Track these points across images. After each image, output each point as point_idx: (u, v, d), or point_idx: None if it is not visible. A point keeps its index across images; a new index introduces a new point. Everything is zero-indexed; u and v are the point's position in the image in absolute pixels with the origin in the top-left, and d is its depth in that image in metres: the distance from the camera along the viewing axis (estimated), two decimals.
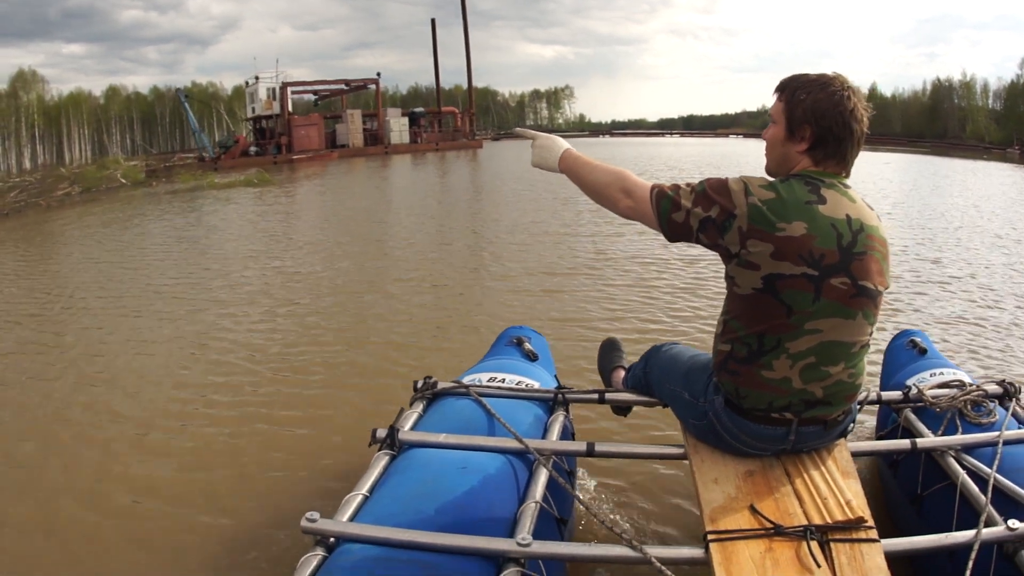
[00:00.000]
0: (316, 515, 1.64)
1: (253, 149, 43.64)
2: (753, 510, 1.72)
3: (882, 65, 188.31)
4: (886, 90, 79.27)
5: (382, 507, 1.75)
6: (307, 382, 4.30)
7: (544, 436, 2.17)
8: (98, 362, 4.87)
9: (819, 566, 1.54)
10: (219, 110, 66.98)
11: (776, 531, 1.63)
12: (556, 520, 1.93)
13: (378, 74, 51.35)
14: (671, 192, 1.79)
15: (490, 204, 14.97)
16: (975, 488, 1.87)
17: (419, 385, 2.40)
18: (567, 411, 2.39)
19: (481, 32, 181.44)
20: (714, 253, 1.81)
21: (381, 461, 1.96)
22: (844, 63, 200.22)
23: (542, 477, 1.90)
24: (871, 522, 1.66)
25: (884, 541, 1.63)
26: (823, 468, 1.87)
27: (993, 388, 2.39)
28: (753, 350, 1.79)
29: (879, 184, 17.96)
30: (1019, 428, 2.17)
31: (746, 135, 73.99)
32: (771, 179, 1.78)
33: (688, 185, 1.80)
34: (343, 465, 3.05)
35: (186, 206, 17.13)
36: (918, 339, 3.03)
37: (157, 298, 6.86)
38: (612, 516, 2.59)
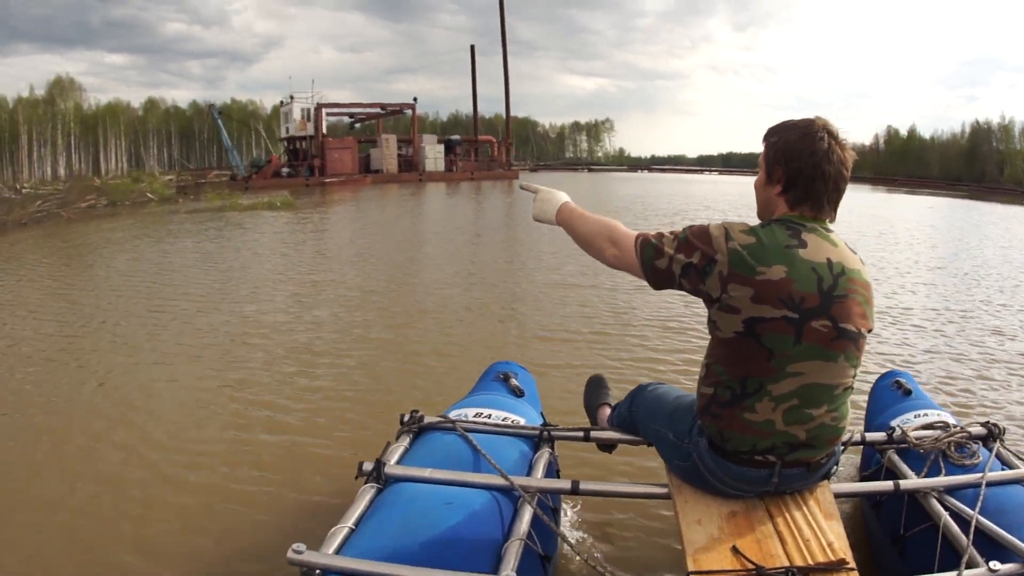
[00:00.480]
0: (303, 547, 1.66)
1: (285, 170, 43.82)
2: (735, 551, 1.73)
3: (921, 107, 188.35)
4: (925, 132, 78.68)
5: (367, 540, 1.76)
6: (295, 411, 4.32)
7: (529, 473, 2.19)
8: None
9: None
10: (258, 128, 67.00)
11: (758, 572, 1.65)
12: (540, 557, 1.93)
13: (414, 99, 51.57)
14: (655, 240, 1.85)
15: (516, 243, 14.36)
16: (957, 529, 1.88)
17: (405, 419, 2.41)
18: (552, 448, 2.40)
19: (523, 61, 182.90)
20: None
21: (367, 494, 1.97)
22: (883, 104, 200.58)
23: (527, 514, 1.91)
24: (852, 564, 1.68)
25: None
26: (805, 509, 1.89)
27: (977, 430, 2.41)
28: (736, 393, 1.82)
29: (925, 231, 17.34)
30: (1003, 470, 2.19)
31: None
32: (752, 225, 1.81)
33: (672, 233, 1.85)
34: (330, 497, 3.09)
35: (198, 228, 16.82)
36: (903, 380, 3.03)
37: (120, 330, 6.57)
38: (596, 554, 2.61)
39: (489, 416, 2.50)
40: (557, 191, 2.14)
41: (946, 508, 2.01)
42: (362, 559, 1.67)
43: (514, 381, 2.87)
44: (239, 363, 5.36)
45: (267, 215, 20.25)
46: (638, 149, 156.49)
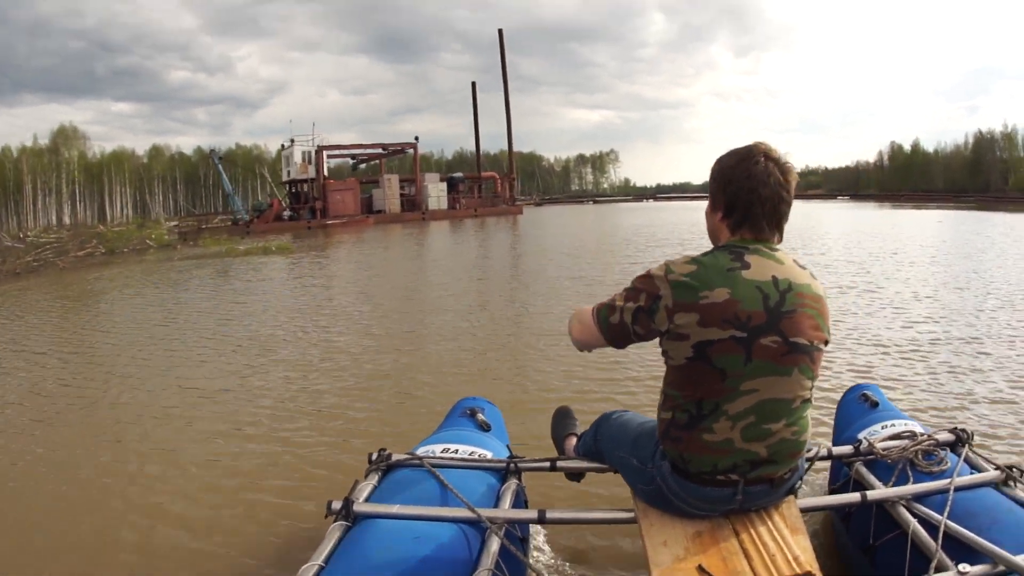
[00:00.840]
0: None
1: (287, 213, 43.88)
2: (701, 570, 1.75)
3: (924, 121, 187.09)
4: (928, 145, 79.01)
5: None
6: (266, 452, 4.31)
7: (496, 505, 2.20)
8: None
9: None
10: (262, 173, 67.14)
11: None
12: None
13: (416, 138, 51.59)
14: (608, 301, 1.93)
15: (514, 283, 13.77)
16: (926, 535, 1.91)
17: (374, 457, 2.44)
18: (520, 479, 2.43)
19: (527, 97, 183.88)
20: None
21: (336, 532, 1.99)
22: (886, 120, 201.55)
23: (494, 545, 1.93)
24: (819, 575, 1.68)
25: None
26: (771, 525, 1.90)
27: (945, 436, 2.44)
28: (693, 416, 1.85)
29: (938, 249, 16.51)
30: (971, 474, 2.21)
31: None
32: (695, 255, 1.85)
33: (623, 290, 1.90)
34: (300, 538, 3.09)
35: (181, 277, 16.56)
36: (870, 393, 3.04)
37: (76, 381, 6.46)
38: None
39: (456, 451, 2.53)
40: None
41: (914, 515, 2.03)
42: None
43: (481, 416, 2.91)
44: (209, 403, 5.43)
45: (267, 260, 20.04)
46: (643, 179, 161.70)
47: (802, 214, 33.33)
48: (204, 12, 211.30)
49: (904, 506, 2.08)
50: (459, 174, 55.40)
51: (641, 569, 2.21)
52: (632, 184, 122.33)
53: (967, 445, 2.41)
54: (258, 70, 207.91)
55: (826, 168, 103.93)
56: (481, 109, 58.50)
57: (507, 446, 2.77)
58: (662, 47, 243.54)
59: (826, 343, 1.89)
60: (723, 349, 1.77)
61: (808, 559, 1.77)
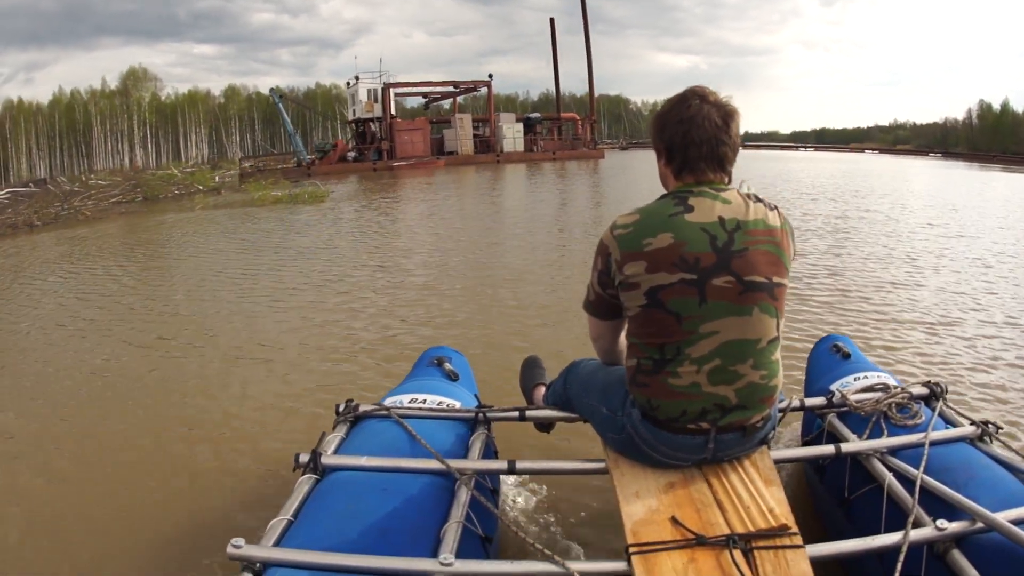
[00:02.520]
0: (242, 541, 1.72)
1: (351, 154, 41.84)
2: (675, 521, 1.77)
3: (1014, 80, 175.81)
4: (1018, 106, 75.49)
5: (307, 531, 1.83)
6: (233, 402, 4.39)
7: (466, 455, 2.24)
8: None
9: (743, 575, 1.59)
10: (343, 112, 64.62)
11: (698, 541, 1.70)
12: (480, 538, 1.99)
13: (490, 76, 49.43)
14: (587, 290, 2.06)
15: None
16: (902, 490, 1.95)
17: (341, 408, 2.49)
18: (489, 430, 2.47)
19: (614, 40, 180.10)
20: None
21: (305, 486, 2.03)
22: (973, 78, 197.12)
23: (463, 496, 1.97)
24: (795, 528, 1.72)
25: (810, 547, 1.69)
26: (745, 476, 1.91)
27: (919, 390, 2.50)
28: (656, 360, 1.89)
29: None
30: (946, 428, 2.27)
31: (881, 150, 72.02)
32: (639, 207, 1.91)
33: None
34: (269, 490, 3.16)
35: (176, 237, 14.36)
36: (841, 343, 3.05)
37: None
38: (537, 532, 2.67)
39: (424, 401, 2.55)
40: None
41: (890, 469, 2.06)
42: (302, 550, 1.74)
43: (448, 365, 2.92)
44: (165, 357, 5.47)
45: (296, 210, 17.87)
46: None
47: (891, 172, 31.33)
48: None
49: (879, 459, 2.11)
50: (536, 114, 52.44)
51: (614, 520, 2.12)
52: None
53: (941, 399, 2.44)
54: (342, 11, 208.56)
55: (914, 123, 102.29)
56: (567, 51, 54.32)
57: (475, 396, 2.78)
58: None
59: (788, 277, 1.89)
60: (674, 292, 1.81)
61: (783, 511, 1.77)
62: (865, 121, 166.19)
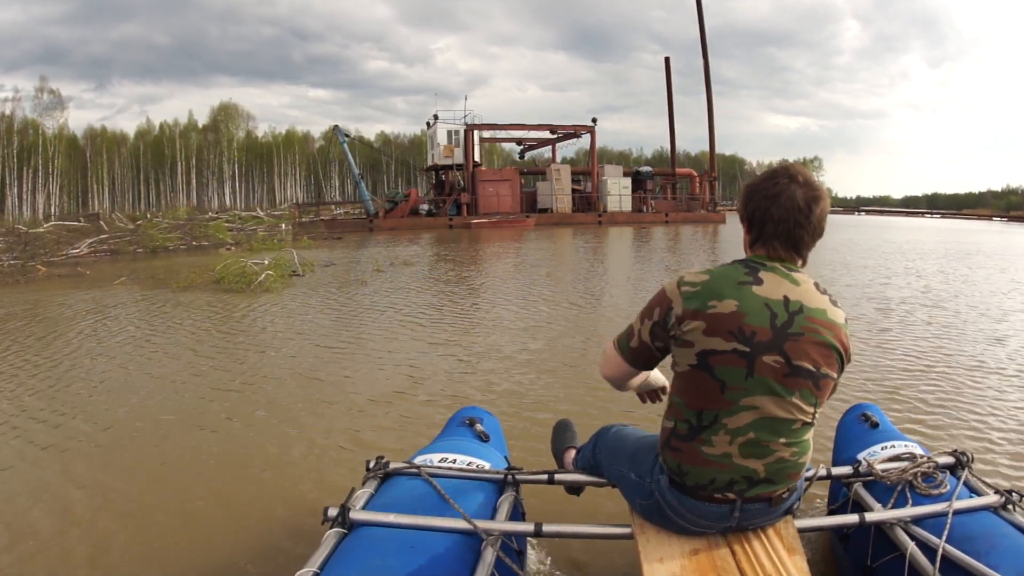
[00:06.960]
0: None
1: (424, 207, 36.45)
2: None
3: None
4: None
5: None
6: (264, 455, 4.29)
7: (493, 516, 2.29)
8: None
9: None
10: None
11: None
12: None
13: (593, 120, 43.54)
14: (626, 329, 2.09)
15: None
16: (924, 558, 2.01)
17: (371, 464, 2.54)
18: (517, 491, 2.54)
19: (726, 100, 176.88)
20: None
21: (332, 539, 2.06)
22: None
23: (489, 557, 2.02)
24: None
25: None
26: (768, 546, 1.98)
27: (945, 459, 2.55)
28: (693, 426, 1.96)
29: None
30: (971, 497, 2.33)
31: (1010, 218, 66.19)
32: (710, 267, 1.97)
33: (638, 313, 2.09)
34: (296, 544, 3.15)
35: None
36: (870, 413, 3.10)
37: None
38: None
39: (454, 461, 2.62)
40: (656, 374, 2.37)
41: (913, 538, 2.13)
42: None
43: (479, 426, 2.97)
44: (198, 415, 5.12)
45: (217, 305, 10.82)
46: (844, 189, 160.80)
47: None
48: (398, 3, 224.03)
49: (902, 528, 2.18)
50: (647, 168, 46.67)
51: None
52: (834, 194, 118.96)
53: (967, 468, 2.49)
54: (457, 62, 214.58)
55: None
56: (678, 113, 48.16)
57: (505, 457, 2.84)
58: (855, 54, 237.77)
59: (838, 372, 1.96)
60: (725, 360, 1.88)
61: None
62: (976, 185, 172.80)
